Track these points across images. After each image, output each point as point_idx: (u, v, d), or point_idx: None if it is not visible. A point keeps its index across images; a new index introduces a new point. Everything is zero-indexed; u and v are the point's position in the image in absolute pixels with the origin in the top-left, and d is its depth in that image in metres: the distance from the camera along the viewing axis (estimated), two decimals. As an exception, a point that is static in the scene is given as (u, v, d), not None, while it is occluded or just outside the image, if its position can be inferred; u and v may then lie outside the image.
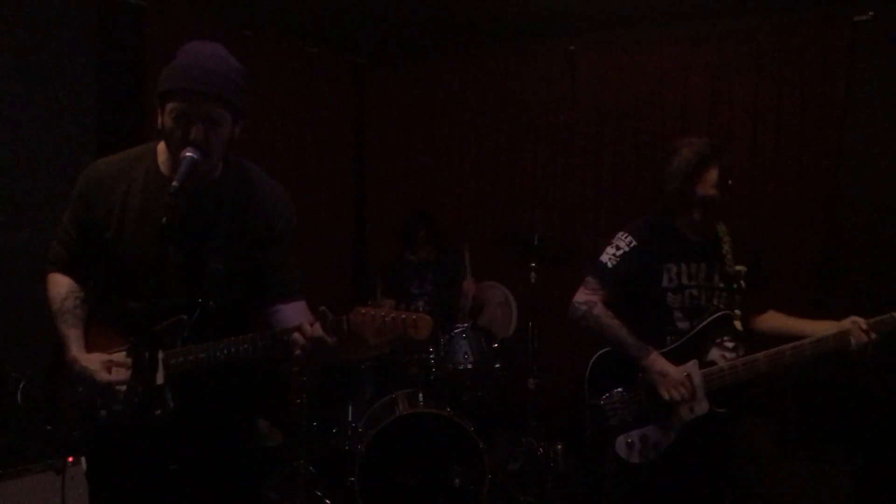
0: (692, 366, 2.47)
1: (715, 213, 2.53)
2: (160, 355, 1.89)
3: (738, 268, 2.52)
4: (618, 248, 2.64)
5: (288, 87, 5.13)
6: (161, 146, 2.02)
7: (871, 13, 4.10)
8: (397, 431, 3.54)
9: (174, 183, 1.79)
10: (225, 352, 1.92)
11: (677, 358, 2.50)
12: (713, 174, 2.45)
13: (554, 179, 5.11)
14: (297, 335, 1.90)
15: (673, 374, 2.45)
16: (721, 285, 2.55)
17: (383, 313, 1.86)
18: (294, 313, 2.04)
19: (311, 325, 1.89)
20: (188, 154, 1.83)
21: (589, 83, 4.95)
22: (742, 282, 2.52)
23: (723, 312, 2.50)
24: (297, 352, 1.90)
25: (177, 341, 1.94)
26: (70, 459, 2.99)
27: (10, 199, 3.46)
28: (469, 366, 3.95)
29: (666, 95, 4.72)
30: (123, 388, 1.89)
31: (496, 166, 5.31)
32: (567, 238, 4.87)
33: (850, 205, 4.25)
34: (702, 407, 2.44)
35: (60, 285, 2.08)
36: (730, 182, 2.52)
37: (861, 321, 2.41)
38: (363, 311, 1.87)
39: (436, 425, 3.59)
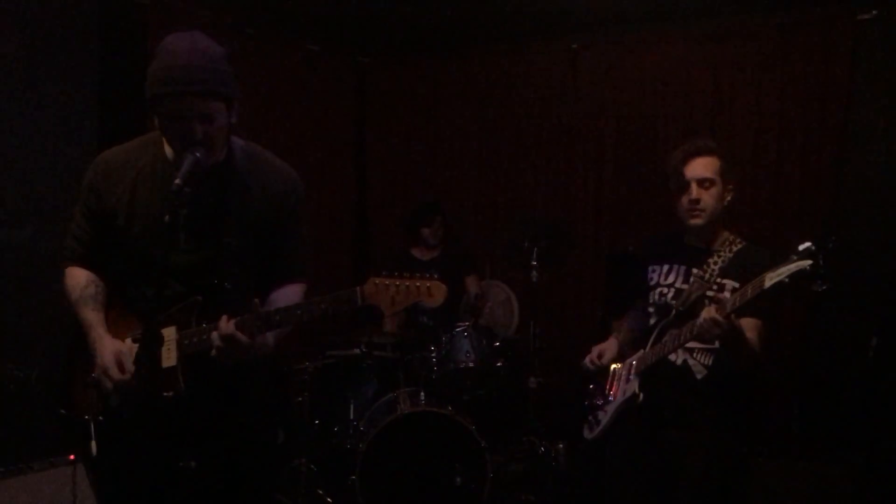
0: (637, 355, 2.64)
1: (718, 217, 2.58)
2: (175, 335, 1.92)
3: (724, 281, 2.51)
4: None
5: (289, 86, 5.12)
6: None
7: (874, 12, 4.09)
8: (399, 430, 3.54)
9: (176, 181, 1.79)
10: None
11: (639, 348, 2.66)
12: (706, 161, 2.55)
13: (556, 178, 5.10)
14: (213, 334, 1.85)
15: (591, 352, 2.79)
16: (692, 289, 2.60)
17: (397, 282, 1.84)
18: (281, 296, 2.02)
19: (228, 321, 1.84)
20: (190, 154, 1.83)
21: (591, 82, 4.94)
22: (725, 293, 2.48)
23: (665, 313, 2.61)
24: (213, 352, 1.86)
25: (191, 321, 1.94)
26: (71, 457, 2.99)
27: (11, 196, 3.46)
28: (471, 364, 3.95)
29: (668, 94, 4.71)
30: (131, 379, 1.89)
31: (498, 165, 5.30)
32: (569, 237, 4.86)
33: (853, 203, 4.23)
34: (631, 387, 2.60)
35: (79, 276, 2.07)
36: (728, 185, 2.57)
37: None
38: (377, 280, 1.84)
39: (437, 424, 3.59)
